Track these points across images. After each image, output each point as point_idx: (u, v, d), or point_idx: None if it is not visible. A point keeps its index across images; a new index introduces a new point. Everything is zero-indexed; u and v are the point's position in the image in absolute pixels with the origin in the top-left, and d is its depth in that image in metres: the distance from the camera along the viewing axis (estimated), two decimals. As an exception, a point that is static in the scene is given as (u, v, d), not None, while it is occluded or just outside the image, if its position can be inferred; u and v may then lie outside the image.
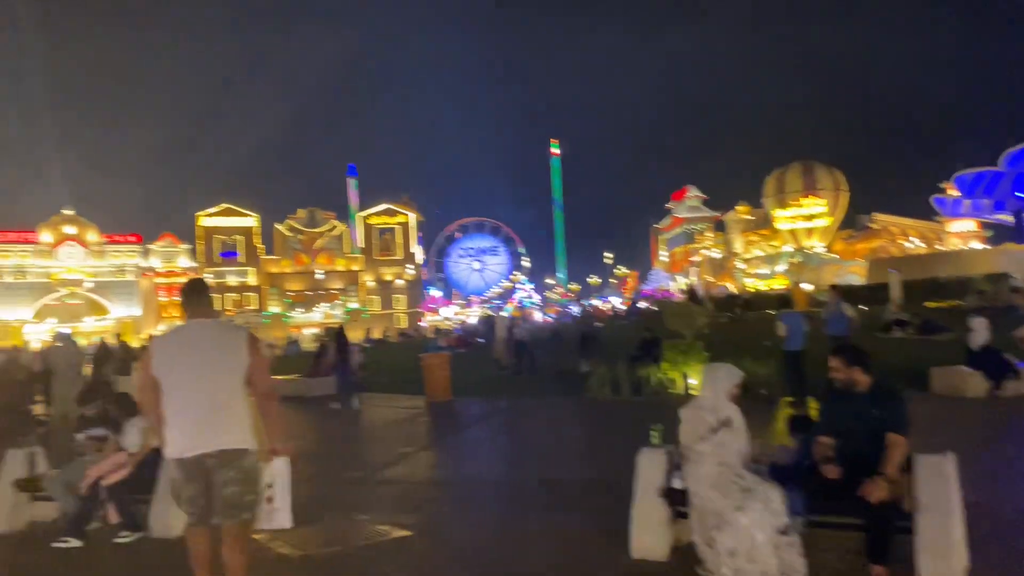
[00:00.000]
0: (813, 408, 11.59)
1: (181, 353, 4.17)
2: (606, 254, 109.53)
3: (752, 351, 14.41)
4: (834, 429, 4.70)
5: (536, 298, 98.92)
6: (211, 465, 4.07)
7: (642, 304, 42.57)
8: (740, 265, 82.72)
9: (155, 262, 73.25)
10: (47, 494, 6.45)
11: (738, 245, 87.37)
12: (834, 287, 14.32)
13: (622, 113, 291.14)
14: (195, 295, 4.33)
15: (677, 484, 4.91)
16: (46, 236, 69.80)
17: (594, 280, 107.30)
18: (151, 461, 6.31)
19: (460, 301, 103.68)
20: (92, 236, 71.46)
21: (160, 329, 62.91)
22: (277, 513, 4.31)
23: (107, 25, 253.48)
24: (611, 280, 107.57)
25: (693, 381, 13.59)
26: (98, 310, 70.69)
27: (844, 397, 4.74)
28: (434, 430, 12.36)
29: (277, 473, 4.32)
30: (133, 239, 73.29)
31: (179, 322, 4.62)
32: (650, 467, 5.11)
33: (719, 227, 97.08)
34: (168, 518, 6.08)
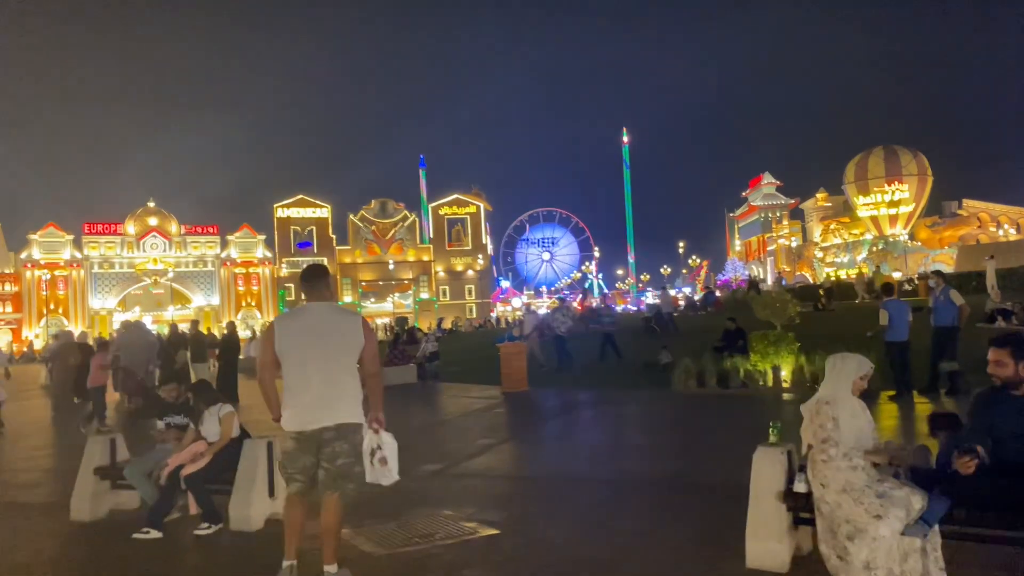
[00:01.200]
0: (920, 403, 10.81)
1: (304, 334, 4.46)
2: (679, 243, 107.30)
3: (845, 342, 13.60)
4: (989, 433, 4.08)
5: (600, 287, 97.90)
6: (327, 438, 4.37)
7: (717, 293, 41.29)
8: (818, 254, 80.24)
9: (233, 252, 75.16)
10: (128, 482, 6.32)
11: (816, 233, 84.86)
12: (940, 273, 13.33)
13: (694, 99, 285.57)
14: (315, 279, 4.63)
15: (800, 487, 4.39)
16: (131, 228, 72.43)
17: (666, 270, 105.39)
18: (230, 451, 6.12)
19: (529, 291, 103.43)
20: (173, 227, 73.81)
21: (239, 318, 64.64)
22: (390, 472, 4.50)
23: (186, 21, 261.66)
24: (683, 271, 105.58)
25: (784, 374, 12.90)
26: (180, 299, 73.10)
27: (1003, 397, 4.11)
28: (513, 421, 11.99)
29: (386, 440, 4.49)
30: (212, 230, 75.38)
31: (301, 305, 4.85)
32: (768, 467, 4.59)
33: (796, 215, 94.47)
34: (248, 510, 5.88)
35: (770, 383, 12.83)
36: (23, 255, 69.46)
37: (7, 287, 68.89)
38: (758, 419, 10.86)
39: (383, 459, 4.44)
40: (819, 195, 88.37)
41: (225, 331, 17.76)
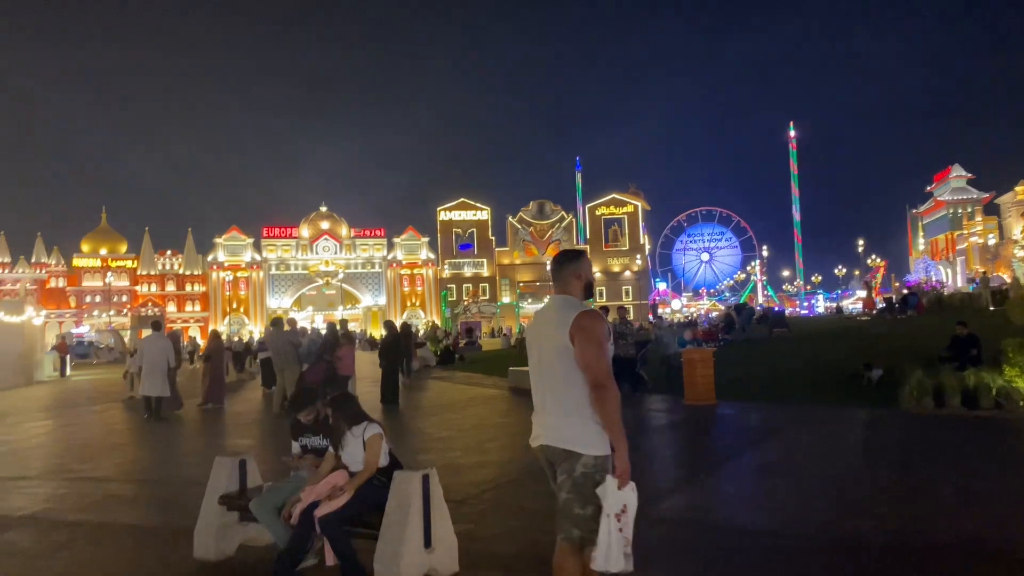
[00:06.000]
0: None
1: (532, 333, 3.71)
2: (858, 242, 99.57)
3: None
4: None
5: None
6: (551, 460, 3.52)
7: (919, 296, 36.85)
8: (1018, 252, 71.63)
9: (399, 254, 77.21)
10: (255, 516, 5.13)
11: (1016, 230, 75.94)
12: None
13: (871, 89, 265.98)
14: (558, 266, 3.71)
15: None
16: (305, 231, 76.11)
17: (840, 271, 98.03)
18: (377, 485, 4.79)
19: (688, 293, 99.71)
20: (344, 230, 76.82)
21: (404, 317, 65.95)
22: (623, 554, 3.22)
23: (355, 31, 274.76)
24: (855, 272, 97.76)
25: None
26: (350, 299, 76.02)
27: None
28: (709, 444, 10.02)
29: (626, 498, 3.28)
30: (379, 232, 77.87)
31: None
32: None
33: (991, 210, 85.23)
34: (397, 565, 4.50)
35: (1035, 405, 10.22)
36: (209, 258, 74.56)
37: (196, 287, 74.20)
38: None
39: (621, 529, 3.20)
40: (1019, 188, 79.38)
41: (384, 332, 16.84)
